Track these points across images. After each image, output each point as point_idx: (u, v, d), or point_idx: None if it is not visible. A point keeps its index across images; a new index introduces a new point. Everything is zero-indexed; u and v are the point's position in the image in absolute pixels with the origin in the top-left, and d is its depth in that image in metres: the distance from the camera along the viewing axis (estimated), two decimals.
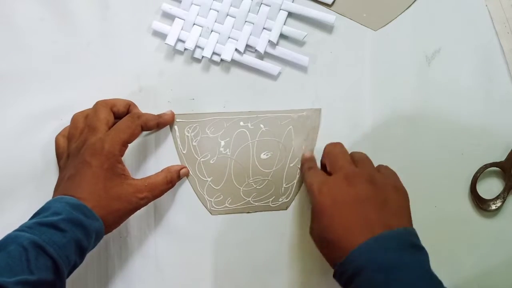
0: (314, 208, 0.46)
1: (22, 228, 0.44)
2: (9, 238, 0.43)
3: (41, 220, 0.44)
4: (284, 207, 0.56)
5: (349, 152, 0.51)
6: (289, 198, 0.56)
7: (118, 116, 0.54)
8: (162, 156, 0.57)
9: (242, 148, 0.57)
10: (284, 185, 0.56)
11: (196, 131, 0.57)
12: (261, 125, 0.57)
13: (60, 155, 0.54)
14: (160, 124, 0.56)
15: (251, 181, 0.56)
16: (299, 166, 0.56)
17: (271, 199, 0.56)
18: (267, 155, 0.57)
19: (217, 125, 0.57)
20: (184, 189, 0.57)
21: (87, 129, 0.51)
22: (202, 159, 0.57)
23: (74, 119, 0.54)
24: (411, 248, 0.42)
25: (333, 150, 0.50)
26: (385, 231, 0.42)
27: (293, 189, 0.56)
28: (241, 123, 0.57)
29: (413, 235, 0.44)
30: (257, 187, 0.56)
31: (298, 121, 0.57)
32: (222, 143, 0.57)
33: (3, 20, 0.59)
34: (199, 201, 0.56)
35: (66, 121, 0.57)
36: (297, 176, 0.56)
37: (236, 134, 0.57)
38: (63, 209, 0.45)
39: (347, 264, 0.42)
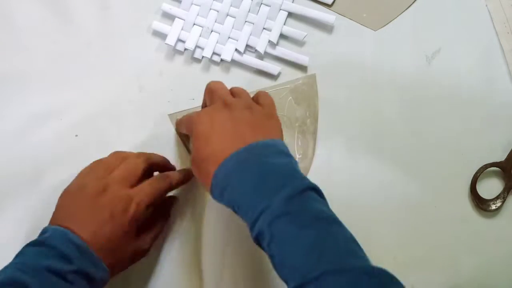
0: (194, 136, 0.46)
1: (28, 270, 0.42)
2: (16, 281, 0.41)
3: (51, 267, 0.43)
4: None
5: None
6: (305, 166, 0.56)
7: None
8: (165, 155, 0.56)
9: None
10: (297, 156, 0.56)
11: None
12: None
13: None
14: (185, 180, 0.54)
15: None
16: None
17: None
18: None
19: None
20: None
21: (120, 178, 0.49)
22: None
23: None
24: (279, 153, 0.44)
25: (214, 85, 0.50)
26: (254, 142, 0.44)
27: (307, 157, 0.56)
28: None
29: (283, 145, 0.45)
30: None
31: (296, 90, 0.57)
32: None
33: (3, 20, 0.59)
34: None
35: (66, 121, 0.57)
36: (311, 144, 0.56)
37: None
38: (73, 256, 0.43)
39: (219, 174, 0.43)
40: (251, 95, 0.50)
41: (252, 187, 0.41)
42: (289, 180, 0.41)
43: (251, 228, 0.41)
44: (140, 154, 0.51)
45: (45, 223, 0.55)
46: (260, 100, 0.49)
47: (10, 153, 0.57)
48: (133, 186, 0.49)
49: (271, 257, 0.40)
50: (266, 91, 0.51)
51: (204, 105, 0.52)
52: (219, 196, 0.43)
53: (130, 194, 0.47)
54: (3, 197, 0.56)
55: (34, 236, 0.55)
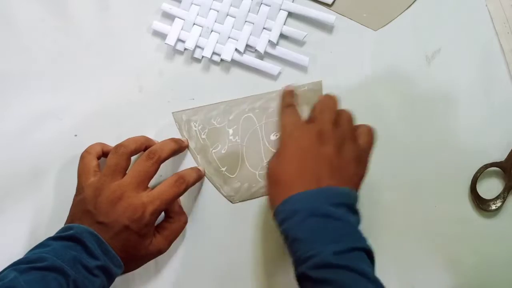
0: (279, 147, 0.47)
1: (64, 261, 0.44)
2: (54, 267, 0.44)
3: (81, 260, 0.45)
4: None
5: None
6: None
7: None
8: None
9: (251, 133, 0.57)
10: None
11: (202, 124, 0.57)
12: (266, 107, 0.57)
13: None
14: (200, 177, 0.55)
15: (266, 164, 0.56)
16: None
17: None
18: (276, 135, 0.57)
19: (222, 115, 0.57)
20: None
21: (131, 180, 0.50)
22: (213, 150, 0.57)
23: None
24: (348, 208, 0.44)
25: (326, 102, 0.50)
26: (330, 186, 0.44)
27: None
28: (246, 109, 0.57)
29: (354, 198, 0.45)
30: None
31: (301, 96, 0.57)
32: (230, 131, 0.57)
33: (3, 20, 0.59)
34: (218, 192, 0.56)
35: (65, 121, 0.57)
36: None
37: (243, 119, 0.57)
38: (98, 253, 0.46)
39: (287, 204, 0.44)
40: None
41: (311, 231, 0.42)
42: (347, 237, 0.42)
43: (296, 267, 0.42)
44: (149, 155, 0.51)
45: (46, 222, 0.56)
46: (360, 136, 0.48)
47: (10, 153, 0.57)
48: (146, 188, 0.50)
49: None
50: (373, 128, 0.50)
51: (312, 111, 0.51)
52: (279, 222, 0.44)
53: (144, 202, 0.49)
54: (3, 197, 0.56)
55: (35, 235, 0.55)
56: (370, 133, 0.49)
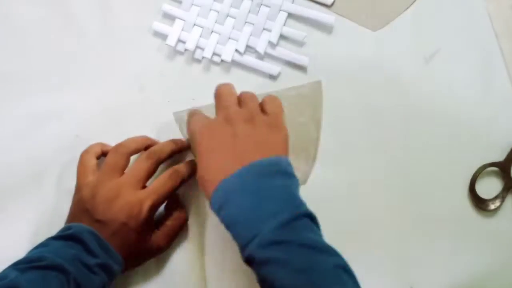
0: (196, 151, 0.46)
1: (64, 259, 0.44)
2: (55, 265, 0.44)
3: (80, 258, 0.45)
4: (303, 181, 0.56)
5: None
6: (305, 171, 0.56)
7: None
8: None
9: None
10: (298, 161, 0.56)
11: None
12: None
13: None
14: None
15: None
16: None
17: None
18: None
19: None
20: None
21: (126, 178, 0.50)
22: None
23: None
24: (281, 174, 0.43)
25: (221, 90, 0.49)
26: (257, 160, 0.43)
27: (308, 163, 0.56)
28: None
29: (286, 163, 0.44)
30: None
31: (300, 96, 0.57)
32: None
33: (3, 20, 0.59)
34: None
35: (66, 121, 0.57)
36: (313, 150, 0.56)
37: None
38: (97, 250, 0.46)
39: (218, 192, 0.42)
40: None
41: (249, 210, 0.41)
42: (285, 207, 0.41)
43: (242, 250, 0.41)
44: (149, 155, 0.51)
45: (47, 222, 0.56)
46: (266, 107, 0.48)
47: (11, 153, 0.57)
48: (144, 187, 0.50)
49: (260, 281, 0.41)
50: (274, 95, 0.49)
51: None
52: (216, 212, 0.44)
53: (141, 199, 0.48)
54: (3, 198, 0.56)
55: (36, 235, 0.55)
56: (273, 99, 0.49)
